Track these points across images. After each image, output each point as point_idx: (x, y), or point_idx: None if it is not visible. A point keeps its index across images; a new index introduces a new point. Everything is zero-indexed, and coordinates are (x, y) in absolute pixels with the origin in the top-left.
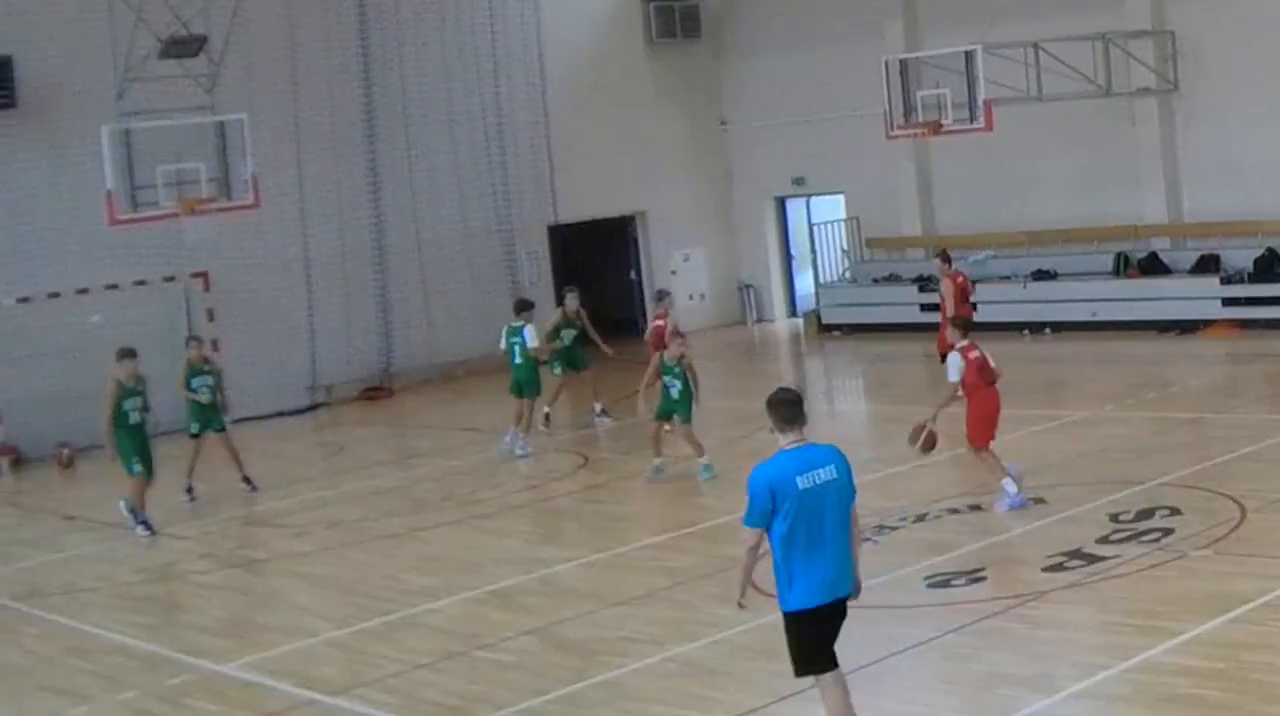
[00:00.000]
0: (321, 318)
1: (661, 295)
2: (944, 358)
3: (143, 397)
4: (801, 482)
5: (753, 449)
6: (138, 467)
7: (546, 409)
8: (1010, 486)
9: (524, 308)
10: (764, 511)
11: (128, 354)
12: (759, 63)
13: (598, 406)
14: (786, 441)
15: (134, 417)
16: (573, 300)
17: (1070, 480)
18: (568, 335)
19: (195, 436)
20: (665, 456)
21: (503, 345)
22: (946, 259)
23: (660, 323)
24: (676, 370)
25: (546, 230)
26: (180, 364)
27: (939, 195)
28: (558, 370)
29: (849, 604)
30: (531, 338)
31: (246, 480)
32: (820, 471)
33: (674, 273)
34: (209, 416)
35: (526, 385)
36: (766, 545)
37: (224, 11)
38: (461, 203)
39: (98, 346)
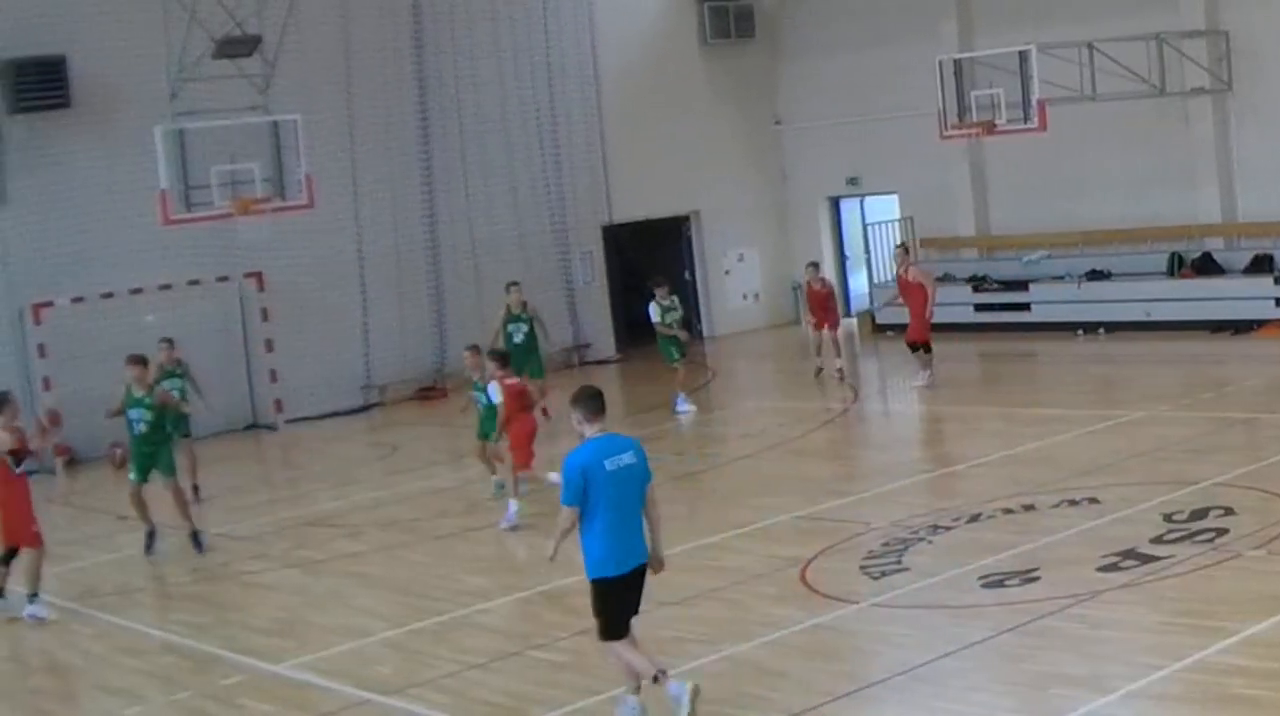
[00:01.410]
0: (375, 317)
1: (813, 265)
2: (915, 348)
3: (149, 408)
4: (609, 466)
5: (806, 448)
6: (133, 476)
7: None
8: (512, 506)
9: (660, 283)
10: (578, 490)
11: (135, 360)
12: (813, 63)
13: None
14: (592, 431)
15: (139, 428)
16: (517, 292)
17: (1124, 480)
18: (517, 330)
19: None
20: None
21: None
22: (907, 251)
23: (820, 288)
24: (479, 383)
25: (600, 230)
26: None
27: (993, 195)
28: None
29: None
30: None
31: (196, 489)
32: (623, 457)
33: (728, 272)
34: (176, 419)
35: (666, 350)
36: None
37: (278, 11)
38: (515, 202)
39: (152, 347)
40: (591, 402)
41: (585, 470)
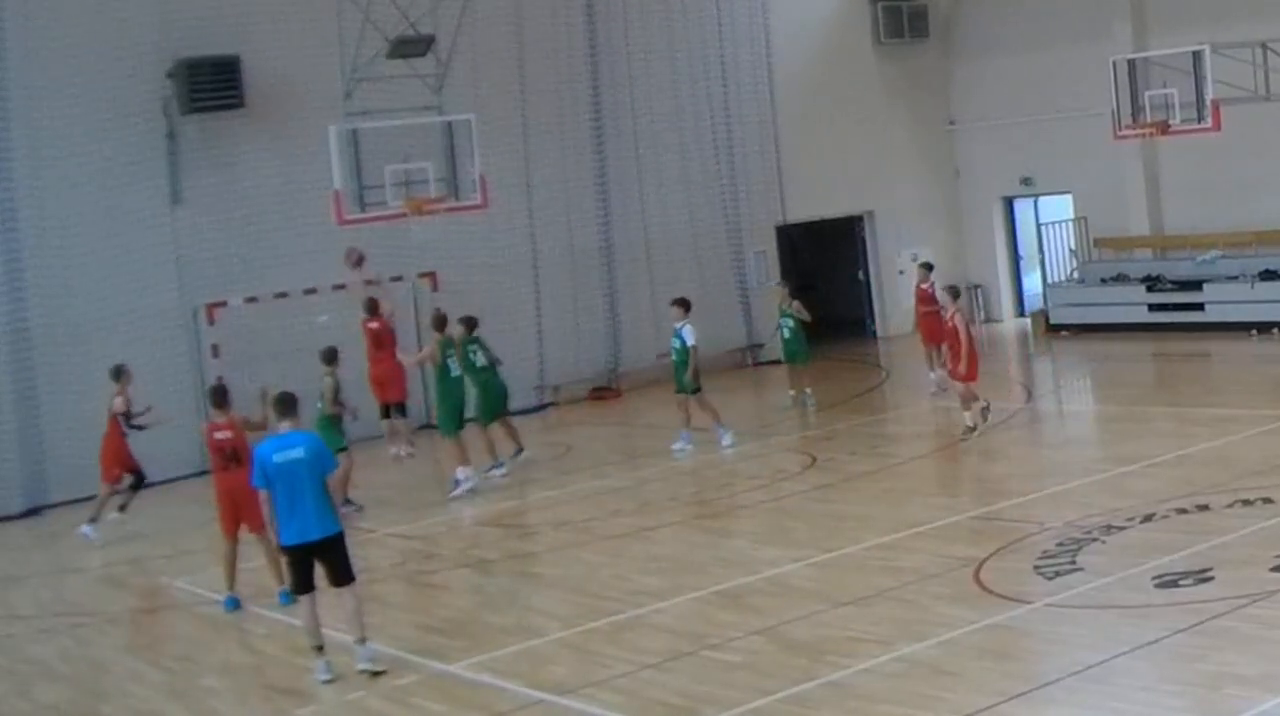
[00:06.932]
0: (549, 318)
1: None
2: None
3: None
4: (277, 458)
5: (980, 448)
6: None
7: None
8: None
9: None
10: (261, 476)
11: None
12: (987, 63)
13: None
14: (281, 427)
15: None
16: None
17: None
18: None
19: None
20: None
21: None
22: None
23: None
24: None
25: (774, 230)
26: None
27: (1166, 195)
28: None
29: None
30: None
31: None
32: (292, 451)
33: (901, 272)
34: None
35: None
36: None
37: (452, 12)
38: (689, 203)
39: (327, 346)
40: (279, 406)
41: (261, 460)
